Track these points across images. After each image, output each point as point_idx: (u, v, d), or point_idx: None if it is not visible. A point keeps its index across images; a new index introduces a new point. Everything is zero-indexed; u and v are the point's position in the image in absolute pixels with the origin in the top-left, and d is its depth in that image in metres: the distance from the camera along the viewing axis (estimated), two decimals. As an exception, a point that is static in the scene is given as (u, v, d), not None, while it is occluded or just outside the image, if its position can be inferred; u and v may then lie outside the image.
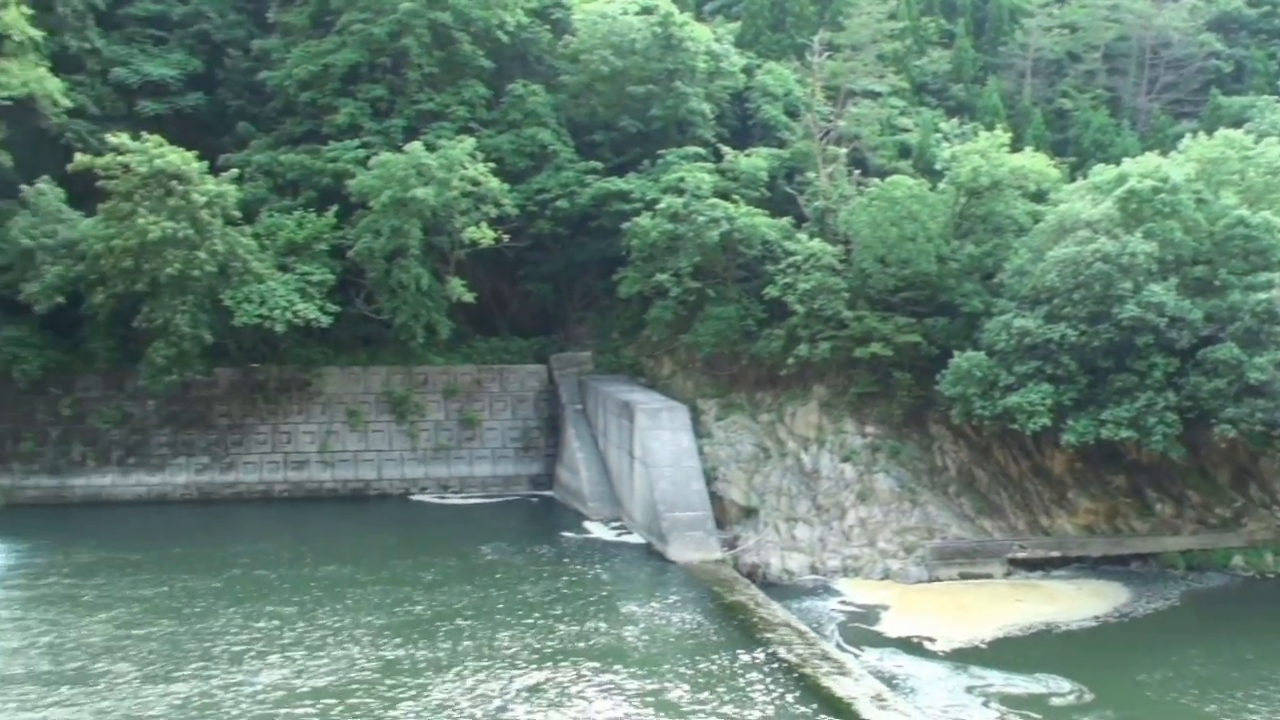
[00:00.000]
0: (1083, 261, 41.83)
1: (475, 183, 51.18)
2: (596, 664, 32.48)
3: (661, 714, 29.21)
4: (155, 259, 47.11)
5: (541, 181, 54.49)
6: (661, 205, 50.41)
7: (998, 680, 33.20)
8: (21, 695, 29.45)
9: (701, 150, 54.65)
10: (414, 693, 30.29)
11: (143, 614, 35.79)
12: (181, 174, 47.97)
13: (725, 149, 53.99)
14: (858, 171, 53.05)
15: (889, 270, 47.08)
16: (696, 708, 29.67)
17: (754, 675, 31.87)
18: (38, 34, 50.67)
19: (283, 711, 29.00)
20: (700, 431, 47.86)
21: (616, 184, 53.62)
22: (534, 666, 32.25)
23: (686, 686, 30.98)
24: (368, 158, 51.70)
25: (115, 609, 36.21)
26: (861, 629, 37.61)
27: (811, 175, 52.80)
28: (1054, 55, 64.67)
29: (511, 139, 55.28)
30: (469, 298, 51.80)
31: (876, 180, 49.75)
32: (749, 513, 45.69)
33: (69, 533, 45.32)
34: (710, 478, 46.12)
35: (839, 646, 35.20)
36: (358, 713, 29.02)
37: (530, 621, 35.95)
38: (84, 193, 49.58)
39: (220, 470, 51.87)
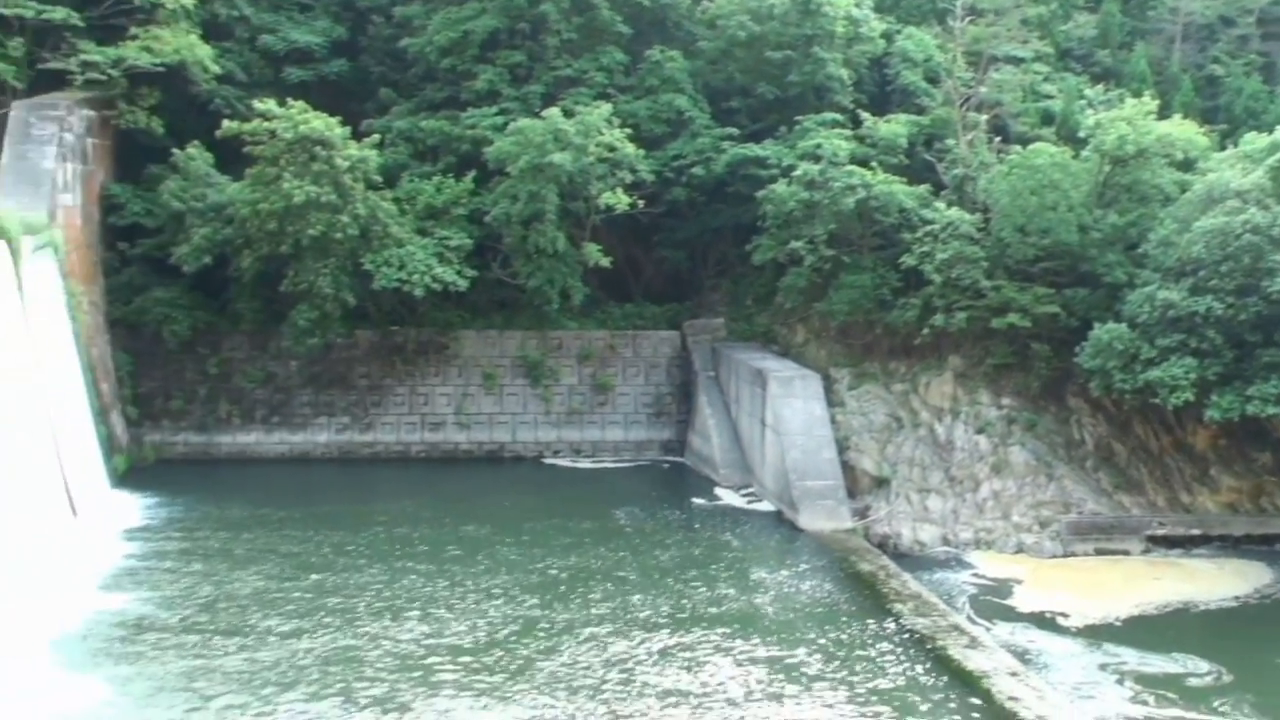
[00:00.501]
0: (1231, 233, 40.75)
1: (611, 148, 51.35)
2: (727, 629, 32.84)
3: (792, 682, 29.46)
4: (299, 222, 48.10)
5: (677, 148, 54.49)
6: (797, 172, 50.11)
7: (1132, 659, 32.87)
8: (180, 644, 30.76)
9: (839, 117, 54.12)
10: (548, 652, 30.97)
11: (291, 569, 37.06)
12: (325, 139, 48.85)
13: (864, 115, 53.45)
14: (998, 139, 52.22)
15: (1028, 240, 46.32)
16: (827, 677, 29.88)
17: (884, 645, 31.95)
18: (189, 2, 51.91)
19: (422, 665, 29.90)
20: (833, 400, 47.68)
21: (753, 150, 53.37)
22: (665, 630, 32.72)
23: (817, 655, 31.19)
24: (506, 124, 52.17)
25: (265, 563, 37.52)
26: (993, 602, 37.44)
27: (951, 142, 52.08)
28: (1205, 20, 62.75)
29: (648, 105, 55.38)
30: (605, 263, 52.20)
31: (1017, 148, 48.95)
32: (881, 483, 45.56)
33: (218, 488, 46.86)
34: (842, 447, 46.00)
35: (970, 619, 35.11)
36: (494, 669, 29.79)
37: (662, 585, 36.43)
38: (231, 157, 50.78)
39: (359, 430, 53.06)
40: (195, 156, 50.92)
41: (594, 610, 34.05)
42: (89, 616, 32.42)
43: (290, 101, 49.92)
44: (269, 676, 28.78)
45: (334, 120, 49.43)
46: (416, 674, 29.25)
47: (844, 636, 32.61)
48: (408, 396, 53.43)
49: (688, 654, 31.04)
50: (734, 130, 54.98)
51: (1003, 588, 38.82)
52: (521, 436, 53.80)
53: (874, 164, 50.46)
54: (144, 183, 51.69)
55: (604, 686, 28.86)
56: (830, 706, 28.08)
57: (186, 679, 28.64)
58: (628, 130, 52.24)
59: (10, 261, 38.38)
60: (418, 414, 53.36)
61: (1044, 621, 35.78)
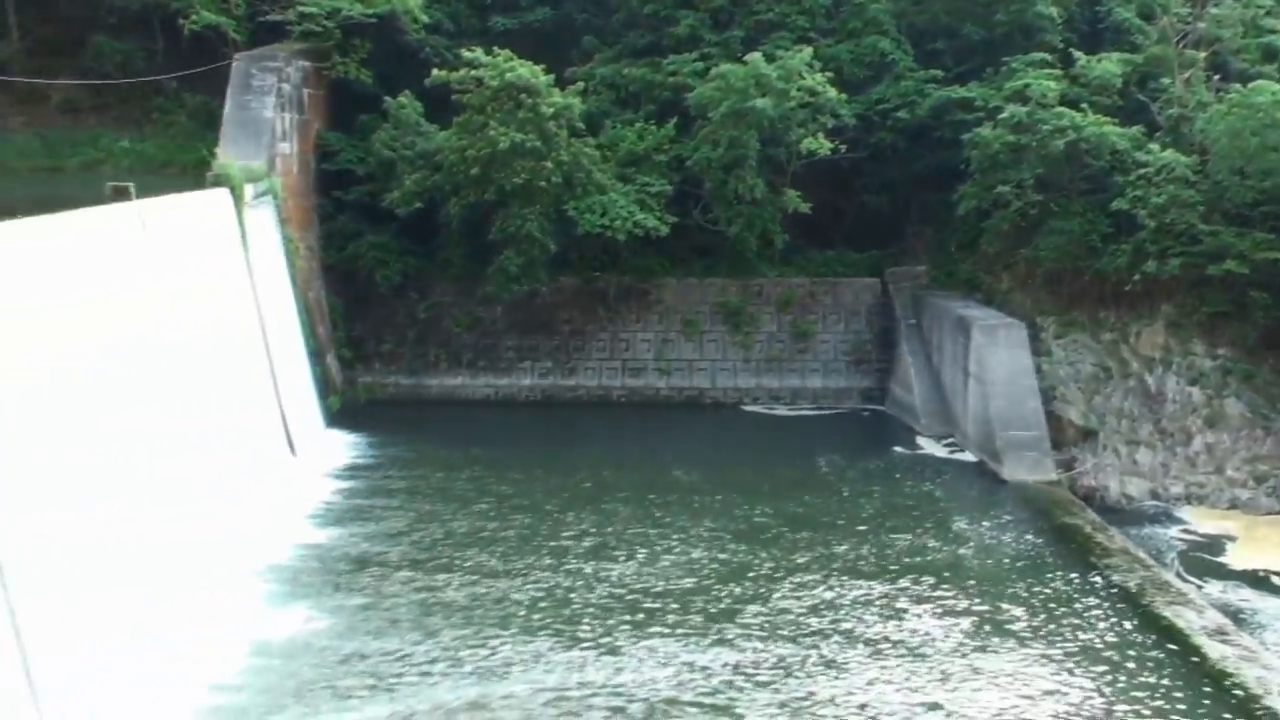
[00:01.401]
0: None
1: (813, 93, 50.89)
2: (931, 580, 32.84)
3: (998, 635, 29.39)
4: (504, 169, 49.06)
5: (880, 91, 53.76)
6: (1004, 114, 48.97)
7: (1352, 621, 31.88)
8: (401, 578, 32.17)
9: (1048, 56, 52.49)
10: (755, 597, 31.41)
11: (504, 509, 38.18)
12: (530, 87, 49.59)
13: (1077, 54, 51.87)
14: (1217, 77, 50.15)
15: (1248, 182, 44.60)
16: (1032, 630, 29.69)
17: (1090, 600, 31.55)
18: (400, -46, 53.24)
19: (627, 605, 30.68)
20: (1038, 350, 46.74)
21: (958, 92, 52.21)
22: (868, 579, 32.84)
23: (1022, 609, 30.99)
24: (707, 70, 52.20)
25: (479, 502, 38.74)
26: (1204, 559, 36.55)
27: (1166, 81, 50.23)
28: None
29: (850, 48, 54.78)
30: (805, 209, 51.99)
31: (1237, 86, 46.92)
32: (1087, 434, 44.65)
33: (428, 429, 48.36)
34: (1047, 397, 45.07)
35: (1179, 576, 34.40)
36: (702, 612, 30.38)
37: (865, 534, 36.54)
38: (439, 106, 51.92)
39: (562, 375, 54.08)
40: (405, 105, 52.15)
41: (798, 557, 34.33)
42: (314, 551, 33.95)
43: (496, 50, 50.80)
44: (488, 613, 29.88)
45: (539, 68, 50.09)
46: (627, 615, 30.03)
47: (1049, 591, 32.30)
48: (609, 342, 54.23)
49: (892, 603, 31.16)
50: (938, 72, 53.96)
51: (1214, 545, 37.86)
52: (721, 383, 54.14)
53: (1084, 105, 49.06)
54: (356, 131, 53.29)
55: (811, 633, 29.19)
56: (1038, 661, 27.94)
57: (416, 611, 29.92)
58: (829, 74, 51.75)
59: (234, 209, 40.27)
60: (619, 359, 54.15)
61: (1258, 580, 34.79)
